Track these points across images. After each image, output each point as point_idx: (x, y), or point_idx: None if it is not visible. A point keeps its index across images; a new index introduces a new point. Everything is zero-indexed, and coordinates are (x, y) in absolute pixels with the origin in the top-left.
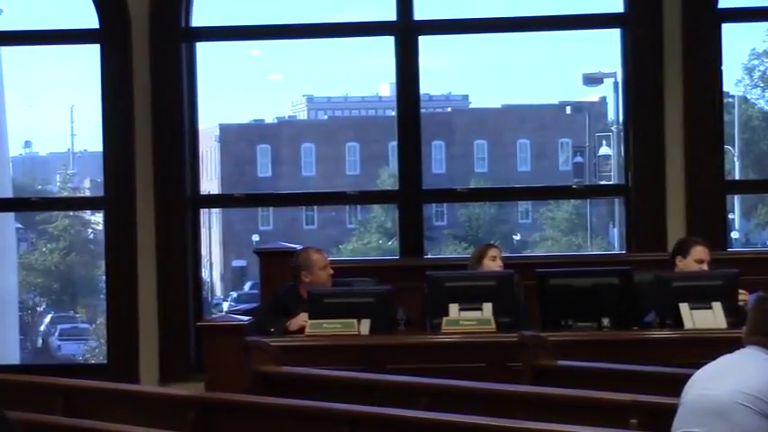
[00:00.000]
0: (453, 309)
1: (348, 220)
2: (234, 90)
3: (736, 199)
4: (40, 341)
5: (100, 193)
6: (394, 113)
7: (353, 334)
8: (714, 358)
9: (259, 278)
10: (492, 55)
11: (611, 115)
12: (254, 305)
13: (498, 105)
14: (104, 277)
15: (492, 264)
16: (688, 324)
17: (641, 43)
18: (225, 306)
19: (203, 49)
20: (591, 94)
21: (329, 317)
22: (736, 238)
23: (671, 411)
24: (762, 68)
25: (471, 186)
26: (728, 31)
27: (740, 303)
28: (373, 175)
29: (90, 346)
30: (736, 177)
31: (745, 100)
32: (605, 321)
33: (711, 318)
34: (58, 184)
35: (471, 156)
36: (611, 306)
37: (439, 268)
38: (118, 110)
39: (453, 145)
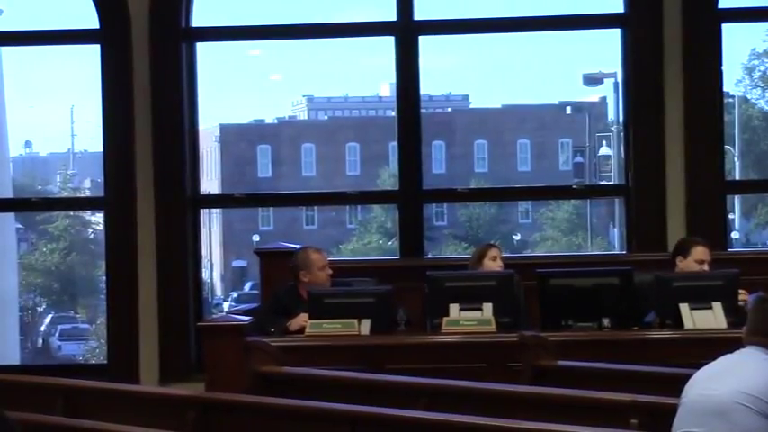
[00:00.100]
0: (453, 309)
1: (348, 220)
2: (234, 90)
3: (736, 199)
4: (40, 341)
5: (100, 193)
6: (394, 113)
7: (353, 334)
8: (714, 358)
9: (259, 278)
10: (492, 55)
11: (611, 115)
12: (255, 305)
13: (498, 105)
14: (104, 277)
15: (492, 264)
16: (688, 324)
17: (641, 43)
18: (225, 306)
19: (203, 49)
20: (591, 95)
21: (329, 317)
22: (736, 238)
23: (671, 411)
24: (762, 68)
25: (471, 186)
26: (728, 31)
27: (740, 303)
28: (373, 176)
29: (90, 347)
30: (736, 177)
31: (745, 100)
32: (605, 321)
33: (711, 318)
34: (59, 184)
35: (471, 156)
36: (612, 306)
37: (439, 268)
38: (118, 110)
39: (453, 145)
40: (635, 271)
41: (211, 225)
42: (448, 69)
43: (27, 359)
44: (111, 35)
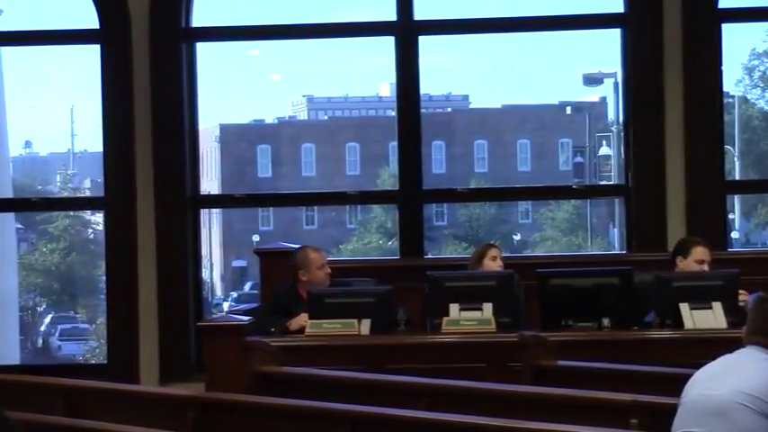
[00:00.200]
0: (453, 309)
1: (348, 220)
2: (234, 90)
3: (736, 199)
4: (40, 341)
5: (100, 193)
6: (394, 113)
7: (353, 334)
8: (714, 358)
9: (259, 278)
10: (492, 55)
11: (611, 115)
12: (255, 305)
13: (498, 105)
14: (104, 277)
15: (492, 264)
16: (688, 324)
17: (641, 43)
18: (225, 306)
19: (203, 49)
20: (591, 94)
21: (329, 317)
22: (736, 238)
23: (671, 411)
24: (762, 68)
25: (471, 186)
26: (728, 31)
27: (740, 303)
28: (373, 176)
29: (90, 346)
30: (736, 177)
31: (745, 100)
32: (605, 321)
33: (711, 318)
34: (59, 184)
35: (471, 156)
36: (612, 306)
37: (439, 268)
38: (118, 110)
39: (453, 145)
40: (635, 271)
41: (211, 225)
42: (448, 69)
43: (27, 359)
44: (111, 35)
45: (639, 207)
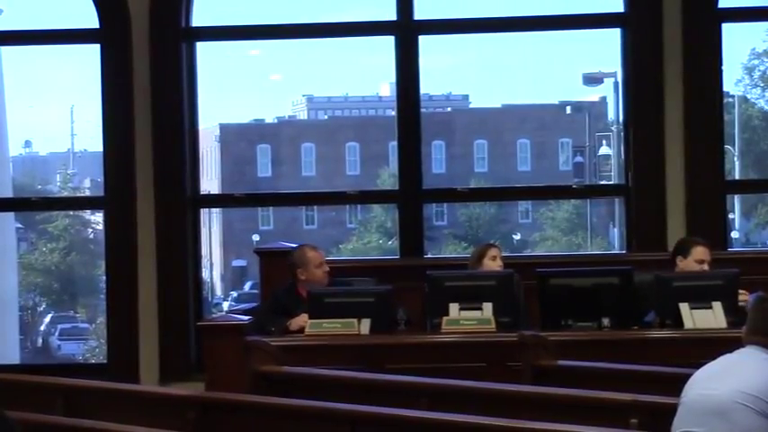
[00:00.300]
0: (453, 308)
1: (348, 219)
2: (234, 90)
3: (736, 199)
4: (40, 341)
5: (100, 193)
6: (394, 113)
7: (353, 334)
8: (714, 358)
9: (259, 278)
10: (492, 55)
11: (611, 115)
12: (255, 305)
13: (498, 105)
14: (104, 277)
15: (492, 263)
16: (688, 324)
17: (641, 43)
18: (225, 306)
19: (203, 49)
20: (591, 94)
21: (329, 316)
22: (736, 238)
23: (671, 411)
24: (762, 68)
25: (471, 186)
26: (728, 31)
27: (740, 303)
28: (373, 175)
29: (90, 346)
30: (736, 177)
31: (745, 100)
32: (605, 321)
33: (711, 318)
34: (58, 183)
35: (471, 156)
36: (611, 306)
37: (439, 268)
38: (118, 110)
39: (453, 145)
40: (635, 271)
41: (211, 225)
42: (448, 69)
43: (27, 359)
44: (111, 35)
45: (639, 207)
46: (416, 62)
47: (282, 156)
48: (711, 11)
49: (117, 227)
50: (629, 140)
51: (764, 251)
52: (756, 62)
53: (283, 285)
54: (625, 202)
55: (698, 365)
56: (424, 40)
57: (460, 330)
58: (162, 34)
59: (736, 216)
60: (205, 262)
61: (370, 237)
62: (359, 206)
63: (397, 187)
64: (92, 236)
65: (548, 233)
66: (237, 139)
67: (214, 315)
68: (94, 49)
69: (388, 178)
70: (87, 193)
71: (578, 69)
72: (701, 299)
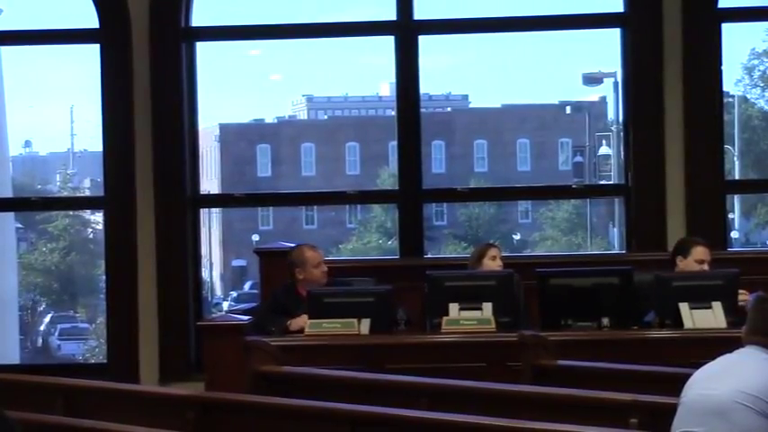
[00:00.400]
0: (453, 308)
1: (348, 219)
2: (234, 90)
3: (736, 199)
4: (40, 341)
5: (100, 193)
6: (394, 113)
7: (353, 334)
8: (714, 358)
9: (259, 278)
10: (492, 55)
11: (611, 115)
12: (254, 305)
13: (498, 105)
14: (104, 277)
15: (492, 263)
16: (688, 324)
17: (641, 43)
18: (225, 306)
19: (203, 49)
20: (591, 94)
21: (329, 316)
22: (736, 238)
23: (671, 411)
24: (762, 68)
25: (471, 186)
26: (728, 30)
27: (740, 303)
28: (373, 175)
29: (90, 346)
30: (736, 177)
31: (745, 100)
32: (605, 321)
33: (711, 317)
34: (58, 183)
35: (471, 156)
36: (611, 306)
37: (439, 268)
38: (118, 110)
39: (453, 145)
40: (635, 271)
41: (211, 225)
42: (448, 69)
43: (27, 359)
44: (111, 35)
45: (639, 207)
46: (416, 62)
47: (282, 156)
48: (711, 11)
49: (117, 227)
50: (629, 140)
51: (764, 251)
52: (756, 62)
53: (283, 285)
54: (625, 202)
55: (698, 365)
56: (423, 40)
57: (460, 330)
58: (162, 34)
59: (736, 216)
60: (205, 262)
61: (369, 237)
62: (359, 206)
63: (396, 187)
64: (92, 236)
65: (547, 233)
66: (237, 139)
67: (214, 315)
68: (94, 50)
69: (387, 178)
70: (87, 193)
71: (578, 69)
72: (700, 299)
